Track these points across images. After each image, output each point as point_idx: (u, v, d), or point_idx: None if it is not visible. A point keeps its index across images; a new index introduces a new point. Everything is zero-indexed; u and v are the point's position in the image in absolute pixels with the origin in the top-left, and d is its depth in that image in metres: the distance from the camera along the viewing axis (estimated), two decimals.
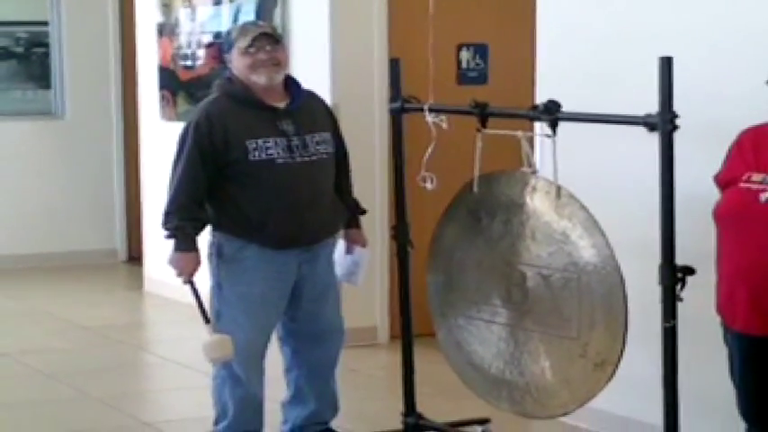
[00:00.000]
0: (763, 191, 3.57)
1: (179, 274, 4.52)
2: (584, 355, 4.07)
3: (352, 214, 4.80)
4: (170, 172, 4.54)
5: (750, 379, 3.71)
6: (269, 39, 4.53)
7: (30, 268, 9.21)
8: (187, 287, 4.53)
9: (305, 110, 4.61)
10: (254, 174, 4.45)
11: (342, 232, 4.78)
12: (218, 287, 4.59)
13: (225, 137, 4.44)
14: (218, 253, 4.56)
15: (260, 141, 4.45)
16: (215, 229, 4.57)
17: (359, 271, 4.86)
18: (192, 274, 4.50)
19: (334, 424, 4.84)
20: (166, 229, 4.50)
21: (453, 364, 4.62)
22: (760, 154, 3.66)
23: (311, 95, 4.73)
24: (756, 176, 3.61)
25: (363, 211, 4.86)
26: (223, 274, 4.56)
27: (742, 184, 3.64)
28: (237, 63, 4.54)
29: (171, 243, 4.51)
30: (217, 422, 4.70)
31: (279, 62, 4.53)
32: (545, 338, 4.21)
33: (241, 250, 4.51)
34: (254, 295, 4.52)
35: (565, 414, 4.37)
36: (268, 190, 4.46)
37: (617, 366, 3.99)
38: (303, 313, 4.65)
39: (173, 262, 4.50)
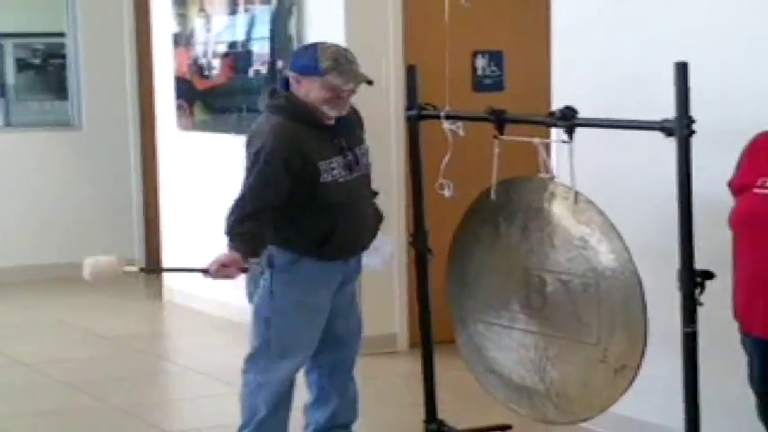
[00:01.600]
0: None
1: (225, 275, 4.34)
2: (605, 360, 4.07)
3: None
4: (239, 193, 4.41)
5: None
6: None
7: (49, 278, 9.25)
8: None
9: (349, 123, 4.58)
10: (323, 194, 4.41)
11: None
12: (269, 295, 4.52)
13: (301, 162, 4.37)
14: (269, 263, 4.50)
15: (326, 163, 4.41)
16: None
17: (378, 256, 4.80)
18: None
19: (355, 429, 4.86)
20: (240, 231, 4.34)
21: (473, 370, 4.63)
22: None
23: (351, 107, 4.65)
24: None
25: (376, 193, 4.81)
26: (276, 282, 4.51)
27: (757, 190, 3.64)
28: (314, 90, 4.41)
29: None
30: (241, 429, 4.69)
31: (349, 98, 4.49)
32: (565, 344, 4.22)
33: (294, 263, 4.49)
34: (308, 305, 4.53)
35: (586, 420, 4.37)
36: (333, 209, 4.44)
37: (637, 371, 3.99)
38: (330, 316, 4.64)
39: (228, 260, 4.31)
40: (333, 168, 4.44)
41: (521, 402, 4.45)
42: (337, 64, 4.41)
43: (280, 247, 4.50)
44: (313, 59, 4.43)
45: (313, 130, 4.45)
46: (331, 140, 4.48)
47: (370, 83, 4.49)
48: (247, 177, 4.42)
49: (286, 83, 4.58)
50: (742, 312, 3.73)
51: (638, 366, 3.99)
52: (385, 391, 5.96)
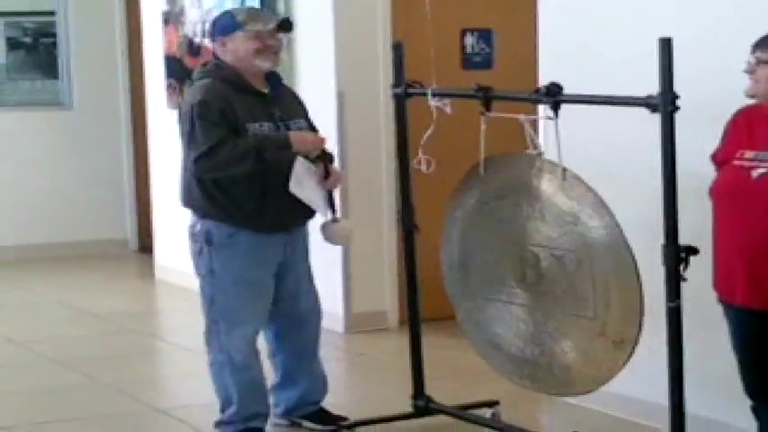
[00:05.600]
0: (756, 167, 3.63)
1: (316, 145, 4.53)
2: (604, 333, 4.09)
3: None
4: (187, 154, 4.48)
5: (753, 354, 3.77)
6: (286, 28, 4.60)
7: (41, 258, 9.26)
8: None
9: (285, 97, 4.68)
10: None
11: None
12: (210, 274, 4.58)
13: (232, 117, 4.43)
14: (207, 240, 4.53)
15: (257, 125, 4.46)
16: (203, 217, 4.54)
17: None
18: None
19: (327, 404, 4.88)
20: (266, 155, 4.40)
21: (474, 344, 4.63)
22: (753, 131, 3.73)
23: (287, 89, 4.80)
24: (749, 153, 3.68)
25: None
26: (215, 260, 4.54)
27: (735, 162, 3.71)
28: (241, 46, 4.50)
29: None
30: (223, 409, 4.74)
31: (279, 51, 4.58)
32: (564, 319, 4.23)
33: (232, 236, 4.51)
34: (249, 281, 4.54)
35: (588, 392, 4.40)
36: (265, 175, 4.45)
37: (636, 344, 4.02)
38: (286, 295, 4.68)
39: (297, 140, 4.48)
40: (264, 132, 4.46)
41: (523, 374, 4.47)
42: (252, 13, 4.63)
43: (217, 221, 4.51)
44: (230, 18, 4.60)
45: (242, 94, 4.49)
46: (263, 107, 4.51)
47: (288, 23, 4.61)
48: (192, 137, 4.41)
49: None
50: (721, 282, 3.77)
51: (637, 339, 4.01)
52: (374, 367, 5.98)
